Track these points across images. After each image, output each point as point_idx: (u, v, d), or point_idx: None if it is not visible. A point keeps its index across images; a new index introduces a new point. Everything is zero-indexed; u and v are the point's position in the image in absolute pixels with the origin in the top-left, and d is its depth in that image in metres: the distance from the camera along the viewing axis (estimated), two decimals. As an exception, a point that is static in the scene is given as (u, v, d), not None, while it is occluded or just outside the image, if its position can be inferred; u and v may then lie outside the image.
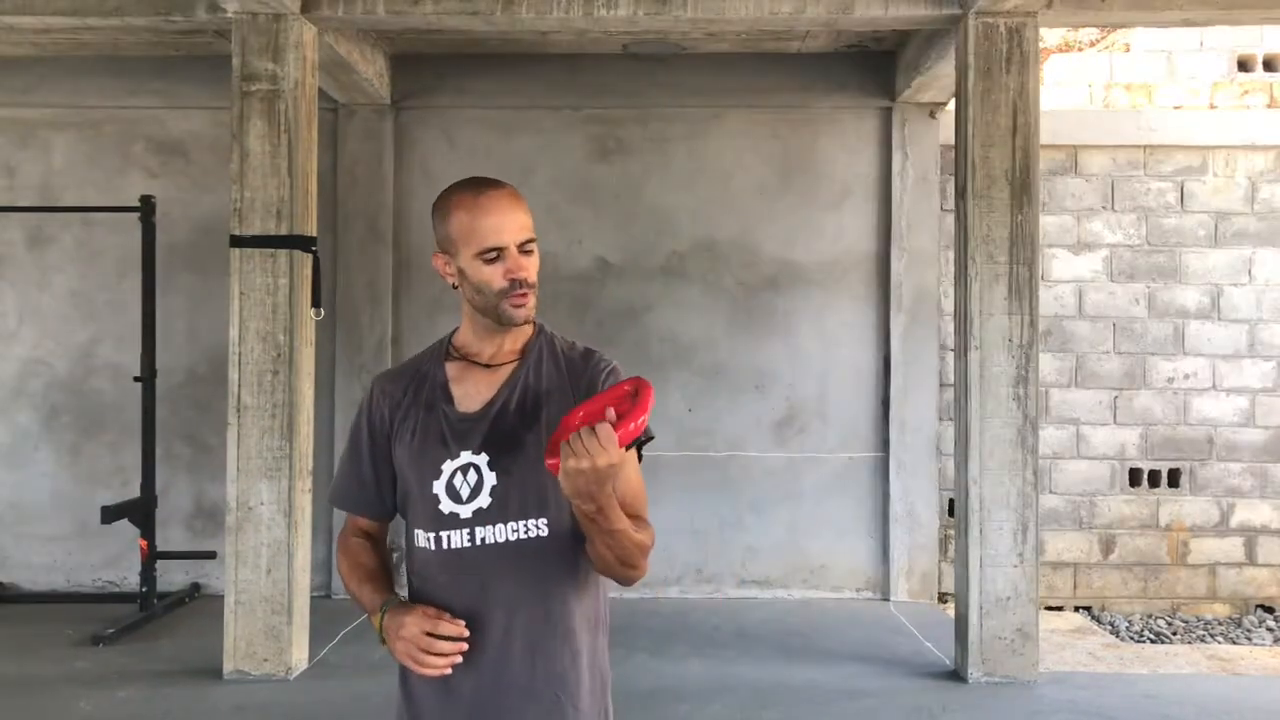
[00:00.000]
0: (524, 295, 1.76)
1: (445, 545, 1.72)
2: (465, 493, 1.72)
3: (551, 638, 1.72)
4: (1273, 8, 4.78)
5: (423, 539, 1.75)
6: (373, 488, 1.84)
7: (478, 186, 1.77)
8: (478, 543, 1.71)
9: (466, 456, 1.73)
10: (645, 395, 1.57)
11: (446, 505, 1.72)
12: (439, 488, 1.73)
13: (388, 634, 1.69)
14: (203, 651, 5.01)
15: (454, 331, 1.89)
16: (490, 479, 1.71)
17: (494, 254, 1.74)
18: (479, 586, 1.71)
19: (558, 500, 1.69)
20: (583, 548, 1.70)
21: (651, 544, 1.72)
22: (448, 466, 1.73)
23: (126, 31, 5.40)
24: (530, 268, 1.77)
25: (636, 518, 1.72)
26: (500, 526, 1.71)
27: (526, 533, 1.71)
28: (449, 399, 1.79)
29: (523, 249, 1.76)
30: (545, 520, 1.72)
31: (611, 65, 6.34)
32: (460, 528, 1.72)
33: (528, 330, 1.85)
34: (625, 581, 1.72)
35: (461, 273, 1.77)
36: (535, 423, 1.74)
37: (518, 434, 1.74)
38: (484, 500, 1.71)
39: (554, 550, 1.72)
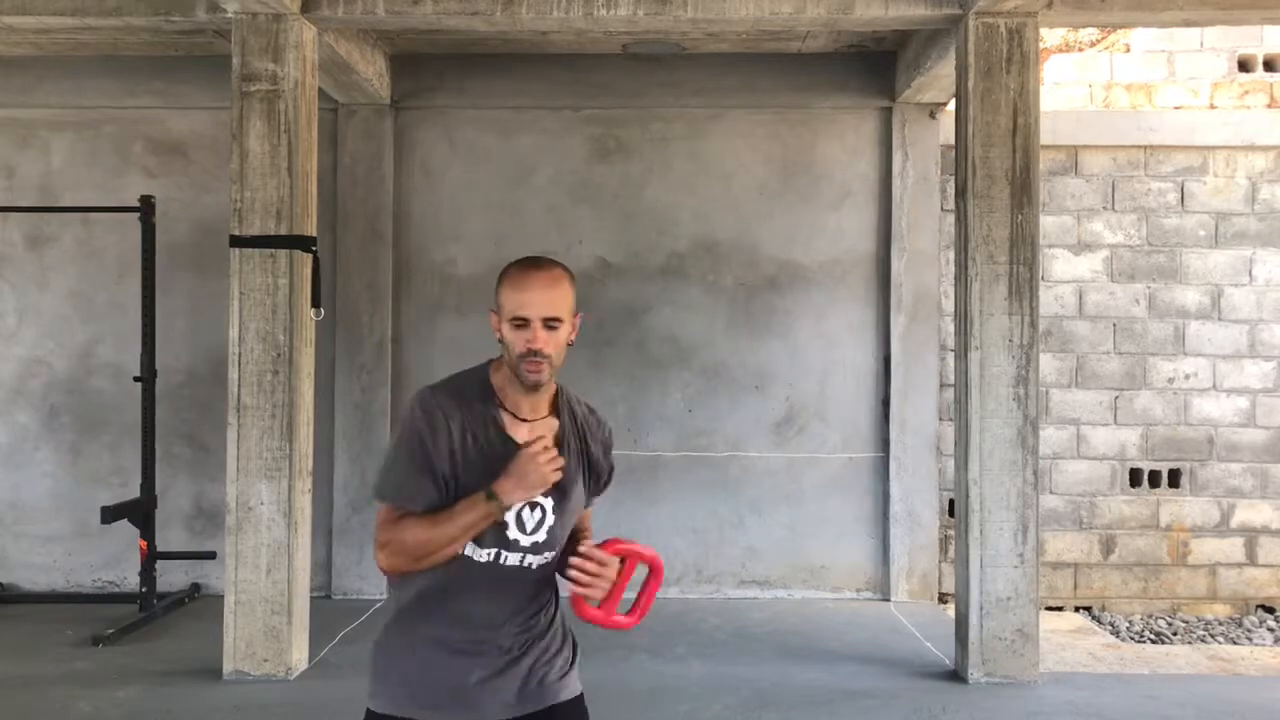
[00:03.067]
0: (537, 364, 2.01)
1: (500, 561, 2.05)
2: (530, 525, 2.05)
3: (543, 627, 2.15)
4: (1273, 8, 4.78)
5: (479, 553, 2.04)
6: (440, 490, 2.03)
7: (527, 265, 2.06)
8: (525, 564, 2.07)
9: (538, 496, 2.04)
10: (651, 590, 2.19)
11: (513, 532, 2.04)
12: (509, 516, 2.03)
13: (505, 486, 1.98)
14: (203, 651, 5.01)
15: (486, 370, 2.13)
16: (551, 519, 2.07)
17: (521, 322, 2.01)
18: (506, 592, 2.08)
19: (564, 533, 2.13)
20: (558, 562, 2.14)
21: None
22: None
23: (126, 31, 5.40)
24: (547, 341, 2.01)
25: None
26: (545, 555, 2.09)
27: (550, 557, 2.11)
28: (512, 442, 2.04)
29: (547, 324, 2.01)
30: (556, 551, 2.12)
31: (611, 65, 6.34)
32: (518, 552, 2.06)
33: (552, 388, 2.13)
34: None
35: (501, 331, 2.06)
36: (579, 477, 2.13)
37: (574, 486, 2.11)
38: (542, 535, 2.07)
39: (554, 567, 2.16)
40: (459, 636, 2.05)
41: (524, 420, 2.07)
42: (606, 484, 2.22)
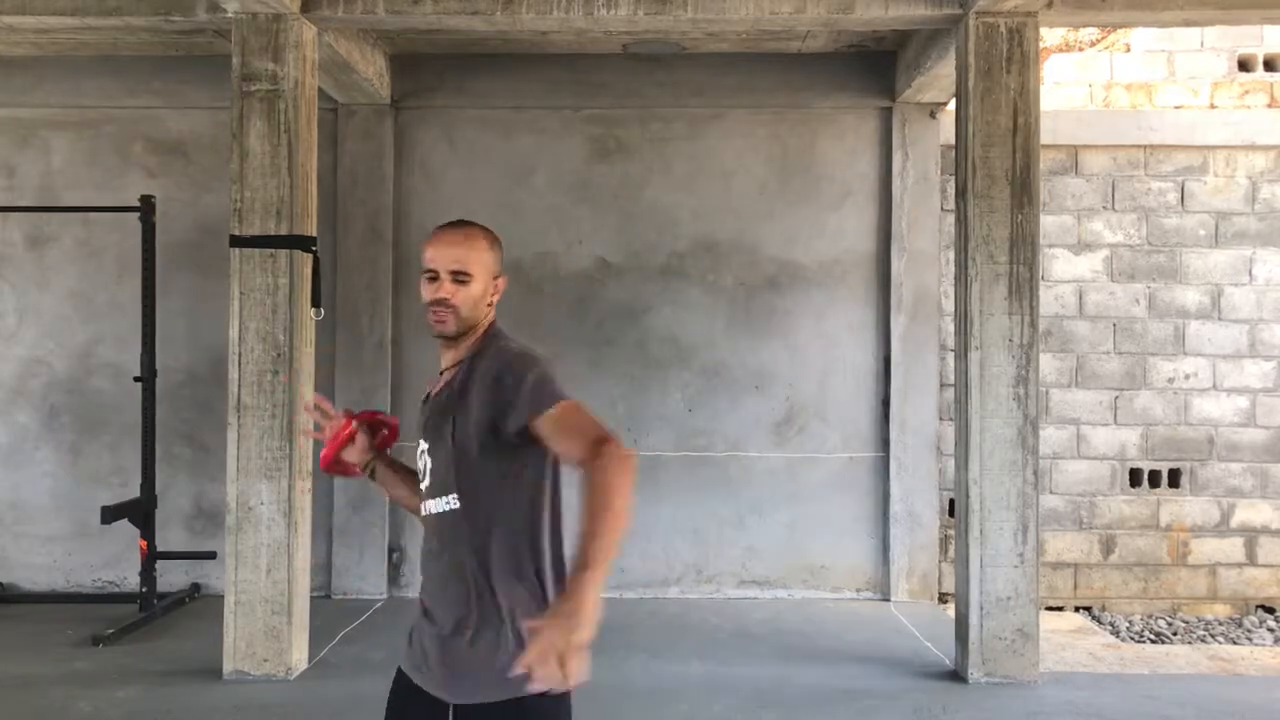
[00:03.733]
0: (441, 313, 2.12)
1: (424, 511, 2.17)
2: (424, 471, 2.16)
3: (460, 583, 2.06)
4: (1273, 7, 4.78)
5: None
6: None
7: (443, 225, 2.20)
8: (436, 511, 2.13)
9: (421, 444, 2.17)
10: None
11: (423, 480, 2.17)
12: (419, 464, 2.19)
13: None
14: (203, 651, 5.02)
15: None
16: (429, 461, 2.14)
17: (429, 274, 2.15)
18: (434, 543, 2.14)
19: (463, 478, 2.06)
20: (496, 518, 2.04)
21: (613, 484, 1.82)
22: (417, 450, 2.19)
23: (126, 31, 5.40)
24: (453, 292, 2.11)
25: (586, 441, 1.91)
26: (443, 499, 2.11)
27: (446, 506, 2.10)
28: (425, 396, 2.25)
29: (455, 278, 2.12)
30: (454, 496, 2.08)
31: (611, 65, 6.34)
32: (425, 499, 2.17)
33: (474, 338, 2.17)
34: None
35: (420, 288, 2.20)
36: (451, 413, 2.09)
37: (438, 424, 2.12)
38: (428, 478, 2.15)
39: (465, 519, 2.07)
40: (424, 590, 2.19)
41: (441, 373, 2.20)
42: (509, 411, 1.98)
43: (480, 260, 2.15)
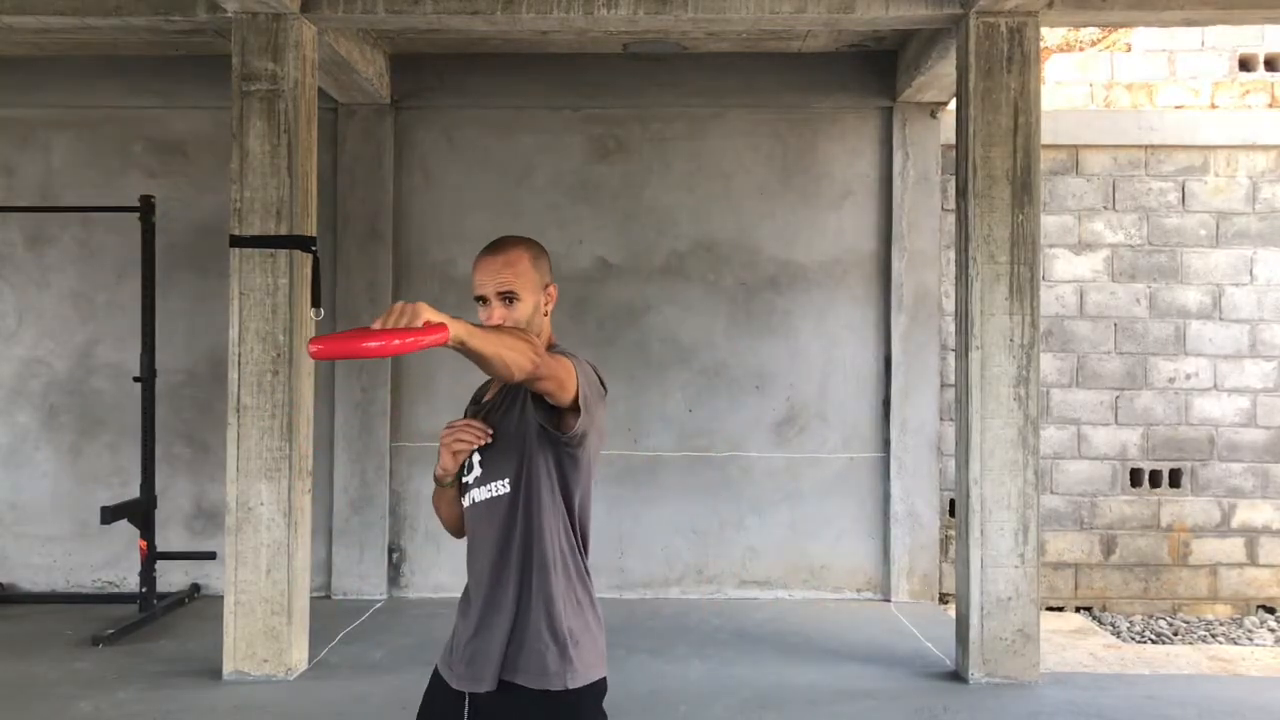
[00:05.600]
0: None
1: (467, 502, 2.23)
2: (468, 465, 2.22)
3: (507, 568, 2.14)
4: (1273, 7, 4.77)
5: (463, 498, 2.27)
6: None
7: (485, 249, 2.19)
8: (486, 499, 2.17)
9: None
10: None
11: (465, 475, 2.23)
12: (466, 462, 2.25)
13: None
14: (203, 652, 5.01)
15: None
16: (476, 456, 2.20)
17: (480, 300, 2.17)
18: (477, 532, 2.20)
19: (517, 466, 2.13)
20: (542, 499, 2.12)
21: (515, 351, 1.89)
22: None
23: (126, 31, 5.40)
24: (506, 316, 2.13)
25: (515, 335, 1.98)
26: (480, 489, 2.18)
27: (494, 492, 2.16)
28: (480, 405, 2.30)
29: (504, 300, 2.14)
30: (506, 480, 2.14)
31: (611, 65, 6.33)
32: (473, 489, 2.21)
33: None
34: (509, 377, 1.92)
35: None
36: (509, 415, 2.17)
37: (501, 427, 2.18)
38: (478, 469, 2.20)
39: (513, 502, 2.14)
40: (469, 591, 2.21)
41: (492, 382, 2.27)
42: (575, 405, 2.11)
43: (525, 276, 2.15)
